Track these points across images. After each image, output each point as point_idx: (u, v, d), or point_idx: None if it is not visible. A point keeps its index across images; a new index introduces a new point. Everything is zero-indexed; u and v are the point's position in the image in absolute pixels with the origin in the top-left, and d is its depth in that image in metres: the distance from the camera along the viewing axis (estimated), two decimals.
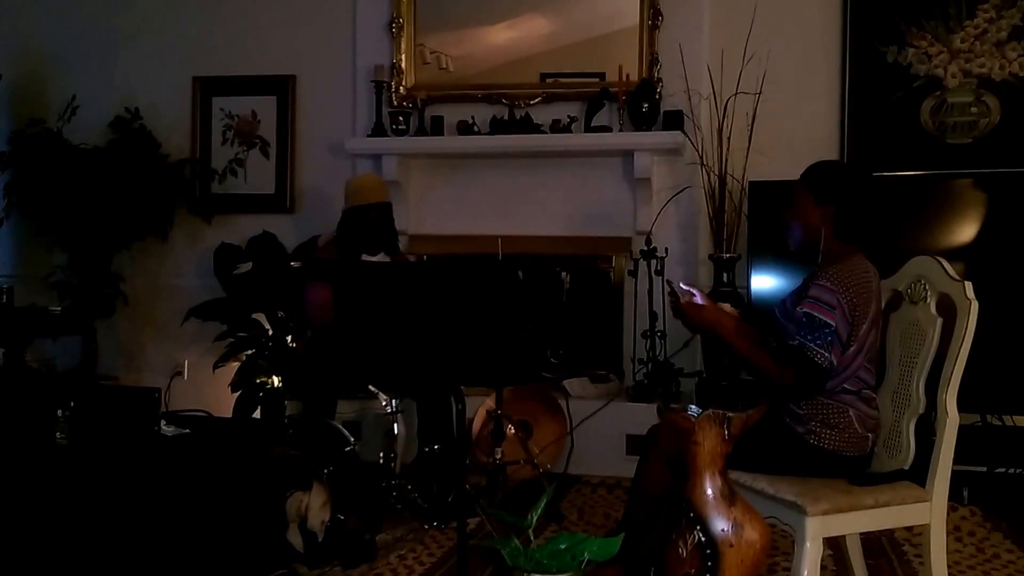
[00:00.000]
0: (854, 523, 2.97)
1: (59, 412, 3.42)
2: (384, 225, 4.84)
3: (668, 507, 2.75)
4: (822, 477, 2.99)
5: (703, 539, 2.53)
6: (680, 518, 2.59)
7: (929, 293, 3.05)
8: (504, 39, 5.85)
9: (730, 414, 2.55)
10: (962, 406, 2.92)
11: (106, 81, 6.34)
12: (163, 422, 3.66)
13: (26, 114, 6.15)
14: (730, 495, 2.56)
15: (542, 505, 2.67)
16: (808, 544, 2.80)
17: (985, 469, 4.56)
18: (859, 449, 3.07)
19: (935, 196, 5.05)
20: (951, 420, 2.91)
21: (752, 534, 2.52)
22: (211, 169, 6.25)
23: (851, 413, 3.05)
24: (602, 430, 4.93)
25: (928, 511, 2.95)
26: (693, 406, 2.62)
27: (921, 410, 3.00)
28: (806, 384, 3.02)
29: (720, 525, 2.52)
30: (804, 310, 3.01)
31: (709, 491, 2.55)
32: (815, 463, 3.03)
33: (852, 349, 3.03)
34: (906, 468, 3.02)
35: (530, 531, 2.57)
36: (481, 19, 5.89)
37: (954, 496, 3.05)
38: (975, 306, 2.88)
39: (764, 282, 5.13)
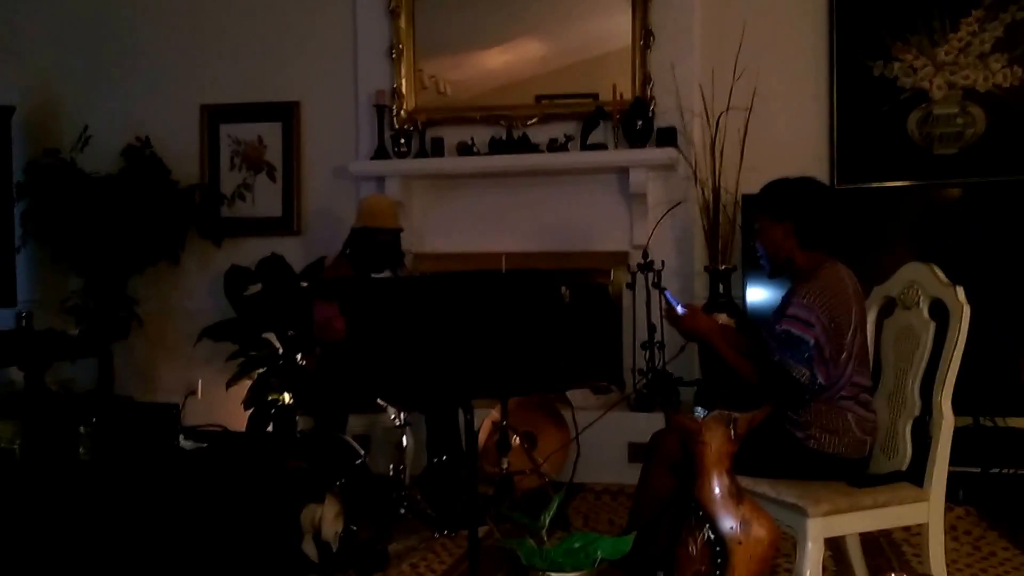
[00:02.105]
0: (854, 523, 3.03)
1: (81, 428, 3.53)
2: (392, 248, 4.97)
3: (674, 509, 2.78)
4: (822, 480, 3.06)
5: (712, 537, 2.55)
6: (689, 517, 2.61)
7: (922, 298, 3.12)
8: (500, 62, 5.98)
9: (736, 414, 2.58)
10: (955, 408, 2.99)
11: (117, 111, 6.46)
12: (181, 436, 3.77)
13: (40, 145, 6.26)
14: (738, 493, 2.59)
15: (555, 507, 2.74)
16: (810, 545, 2.86)
17: (979, 470, 4.63)
18: (858, 452, 3.14)
19: (923, 206, 5.15)
20: (946, 421, 2.97)
21: (760, 531, 2.55)
22: (220, 194, 6.38)
23: (849, 417, 3.12)
24: (605, 439, 5.02)
25: (926, 511, 3.01)
26: (699, 408, 2.69)
27: (917, 413, 3.07)
28: (786, 400, 3.12)
29: (729, 523, 2.54)
30: (783, 328, 3.11)
31: (717, 490, 2.57)
32: (815, 466, 3.10)
33: (843, 357, 3.11)
34: (903, 469, 3.08)
35: (543, 532, 2.65)
36: (477, 44, 6.03)
37: (950, 496, 3.08)
38: (967, 310, 2.95)
39: (758, 293, 5.23)
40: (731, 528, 2.54)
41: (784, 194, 3.32)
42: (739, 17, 5.57)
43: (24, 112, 6.39)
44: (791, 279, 3.30)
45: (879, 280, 3.36)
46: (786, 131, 5.58)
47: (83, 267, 6.13)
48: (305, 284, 5.58)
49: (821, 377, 3.08)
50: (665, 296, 3.47)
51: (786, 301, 3.23)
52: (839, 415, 3.13)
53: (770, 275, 3.39)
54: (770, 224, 3.30)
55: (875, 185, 5.40)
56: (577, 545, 2.58)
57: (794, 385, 3.08)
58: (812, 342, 3.06)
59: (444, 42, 6.07)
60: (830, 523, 2.92)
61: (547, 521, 2.65)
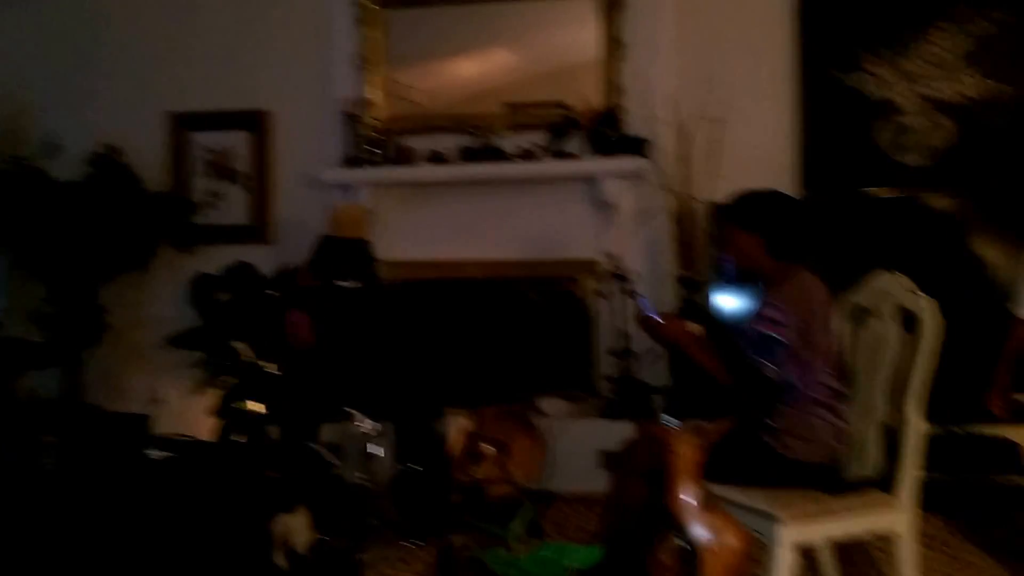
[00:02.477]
0: (825, 530, 3.08)
1: (47, 439, 3.49)
2: (356, 259, 4.92)
3: (646, 518, 2.79)
4: (793, 487, 3.09)
5: (684, 546, 2.56)
6: (661, 526, 2.62)
7: (891, 307, 3.17)
8: (470, 72, 5.99)
9: (705, 424, 2.66)
10: (925, 417, 3.04)
11: (86, 118, 6.40)
12: (150, 447, 3.73)
13: (7, 152, 6.17)
14: (708, 502, 2.61)
15: (527, 516, 2.73)
16: (782, 551, 2.89)
17: (948, 477, 4.68)
18: (828, 459, 3.17)
19: (892, 216, 5.19)
20: (915, 428, 3.02)
21: (732, 540, 2.56)
22: (189, 202, 6.33)
23: (820, 424, 3.15)
24: (576, 447, 5.03)
25: (897, 518, 3.05)
26: (669, 417, 2.70)
27: (887, 420, 3.11)
28: (760, 400, 3.15)
29: (701, 532, 2.55)
30: (755, 329, 3.17)
31: (688, 498, 2.58)
32: (786, 473, 3.13)
33: (812, 358, 3.15)
34: (874, 477, 3.13)
35: (514, 541, 2.64)
36: (448, 53, 6.03)
37: (924, 505, 3.14)
38: (935, 319, 3.00)
39: (729, 301, 5.21)
40: (702, 536, 2.54)
41: (754, 206, 3.36)
42: (709, 27, 5.63)
43: None
44: (760, 285, 3.32)
45: (848, 290, 3.40)
46: (756, 140, 5.59)
47: (51, 275, 6.06)
48: (274, 292, 5.55)
49: (793, 376, 3.12)
50: (640, 302, 3.49)
51: (757, 305, 3.28)
52: (811, 422, 3.16)
53: (734, 280, 3.43)
54: (739, 234, 3.34)
55: (844, 195, 5.43)
56: (548, 554, 2.58)
57: (766, 384, 3.12)
58: (783, 342, 3.10)
59: (415, 51, 6.06)
60: (801, 529, 2.95)
61: (518, 530, 2.65)
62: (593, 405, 5.49)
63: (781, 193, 3.43)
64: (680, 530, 2.57)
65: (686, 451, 2.61)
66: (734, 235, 3.36)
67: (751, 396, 3.14)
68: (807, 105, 5.58)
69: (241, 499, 3.68)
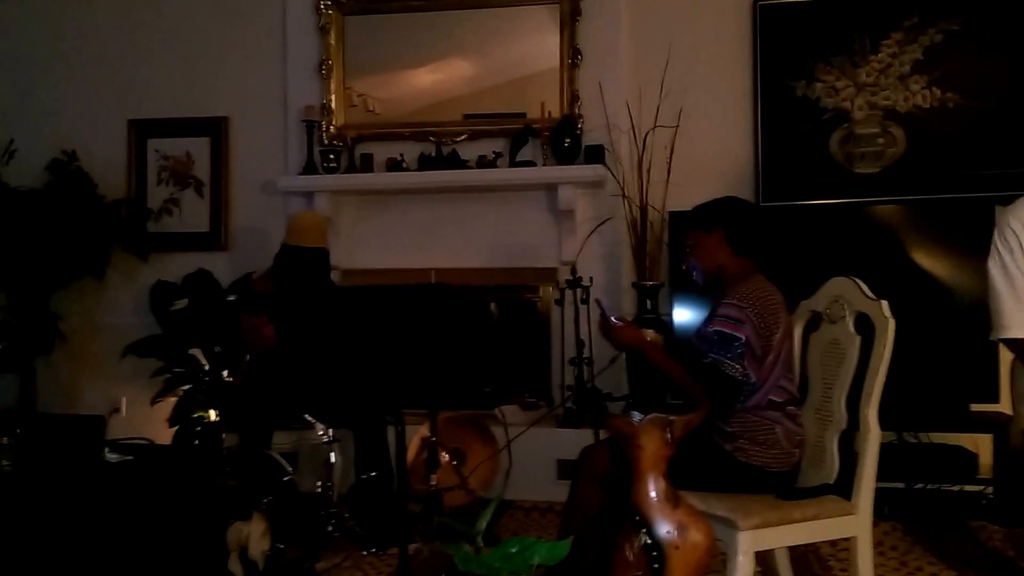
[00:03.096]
0: (784, 537, 3.06)
1: (4, 440, 3.47)
2: (316, 268, 4.85)
3: (604, 524, 2.79)
4: (750, 493, 3.09)
5: (649, 542, 2.52)
6: (626, 522, 2.58)
7: (847, 312, 3.18)
8: (428, 82, 6.00)
9: (672, 418, 2.56)
10: (880, 424, 3.05)
11: (44, 125, 6.38)
12: (106, 449, 3.71)
13: None
14: (674, 498, 2.56)
15: (491, 512, 2.70)
16: (740, 558, 2.88)
17: (903, 485, 4.73)
18: (786, 465, 3.18)
19: (845, 224, 5.25)
20: (873, 434, 3.03)
21: (697, 536, 2.52)
22: (147, 209, 6.32)
23: (777, 430, 3.16)
24: (533, 456, 5.02)
25: (854, 523, 3.05)
26: (636, 412, 2.68)
27: (844, 426, 3.11)
28: (722, 397, 3.15)
29: (665, 528, 2.51)
30: (714, 328, 3.17)
31: (653, 494, 2.54)
32: (743, 479, 3.14)
33: (770, 358, 3.17)
34: (831, 483, 3.12)
35: (478, 538, 2.62)
36: (406, 62, 6.04)
37: (875, 512, 3.11)
38: (892, 324, 3.01)
39: (685, 308, 5.26)
40: (668, 533, 2.51)
41: (713, 206, 3.44)
42: (665, 37, 5.66)
43: None
44: (721, 290, 3.35)
45: (803, 297, 3.44)
46: (712, 149, 5.64)
47: (5, 281, 6.03)
48: (232, 298, 5.54)
49: (752, 375, 3.14)
50: (600, 307, 3.51)
51: (715, 305, 3.29)
52: (767, 427, 3.17)
53: (703, 288, 3.45)
54: (703, 235, 3.39)
55: (799, 203, 5.49)
56: (513, 550, 2.55)
57: (728, 382, 3.13)
58: (743, 338, 3.12)
59: (374, 60, 6.08)
60: (760, 536, 2.94)
61: (483, 526, 2.62)
62: (550, 414, 5.50)
63: (735, 197, 3.51)
64: (645, 526, 2.54)
65: (652, 445, 2.56)
66: (697, 238, 3.41)
67: (714, 397, 3.14)
68: (763, 114, 5.63)
69: (196, 505, 3.66)
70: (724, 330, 3.15)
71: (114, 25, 6.44)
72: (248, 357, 4.98)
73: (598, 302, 3.66)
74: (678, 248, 5.27)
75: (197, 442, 5.41)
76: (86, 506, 3.36)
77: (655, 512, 2.54)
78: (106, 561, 3.30)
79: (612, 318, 3.44)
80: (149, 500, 3.52)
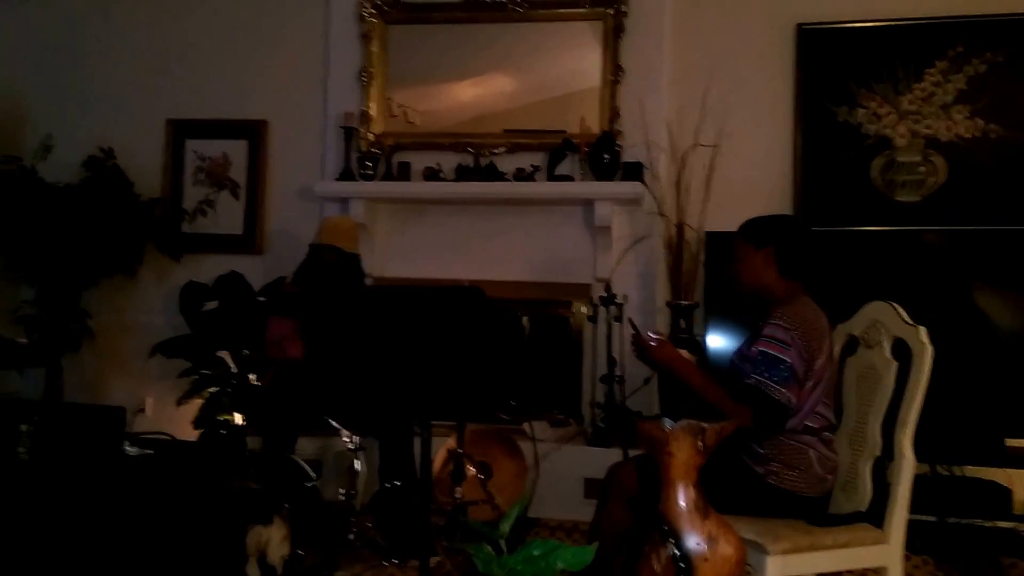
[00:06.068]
0: (814, 563, 2.99)
1: (23, 427, 3.44)
2: (344, 270, 4.85)
3: (630, 544, 2.72)
4: (780, 517, 3.04)
5: (677, 553, 2.47)
6: (653, 532, 2.53)
7: (884, 337, 3.15)
8: (469, 96, 5.99)
9: (704, 425, 2.51)
10: (914, 455, 3.01)
11: (82, 122, 6.42)
12: (127, 443, 3.69)
13: (1, 152, 6.16)
14: (704, 508, 2.51)
15: (515, 514, 2.63)
16: None
17: (935, 519, 4.63)
18: (818, 490, 3.14)
19: (884, 251, 5.19)
20: (907, 462, 2.99)
21: (727, 548, 2.48)
22: (182, 209, 6.33)
23: (811, 454, 3.11)
24: (561, 473, 4.99)
25: (886, 553, 3.01)
26: (667, 419, 2.62)
27: (878, 453, 3.07)
28: (765, 421, 3.09)
29: (694, 539, 2.47)
30: (760, 349, 3.11)
31: (683, 503, 2.50)
32: (774, 503, 3.09)
33: (810, 384, 3.11)
34: (864, 510, 3.08)
35: (502, 542, 2.55)
36: (447, 75, 6.04)
37: (907, 544, 3.07)
38: (930, 350, 2.97)
39: (720, 330, 5.21)
40: (697, 544, 2.47)
41: (768, 223, 3.40)
42: (708, 56, 5.65)
43: None
44: (766, 305, 3.30)
45: (840, 320, 3.40)
46: (751, 171, 5.61)
47: (37, 277, 6.05)
48: (261, 299, 5.52)
49: (795, 398, 3.09)
50: (632, 325, 3.47)
51: (760, 325, 3.23)
52: (801, 451, 3.12)
53: (743, 294, 3.38)
54: (752, 251, 3.33)
55: (838, 228, 5.43)
56: (537, 552, 2.48)
57: (774, 406, 3.07)
58: (789, 362, 3.06)
59: (415, 71, 6.08)
60: (789, 562, 2.89)
61: (507, 529, 2.55)
62: (580, 431, 5.46)
63: (792, 216, 3.46)
64: (674, 537, 2.49)
65: (683, 453, 2.51)
66: (746, 252, 3.35)
67: (760, 420, 3.08)
68: (803, 138, 5.60)
69: (217, 506, 3.62)
70: (770, 351, 3.09)
71: (156, 24, 6.48)
72: (272, 368, 4.96)
73: (631, 321, 3.61)
74: (714, 269, 5.25)
75: (221, 445, 5.40)
76: (102, 498, 3.33)
77: (684, 522, 2.50)
78: (119, 555, 3.26)
79: (650, 333, 3.39)
80: (167, 496, 3.48)
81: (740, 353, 3.33)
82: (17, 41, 6.63)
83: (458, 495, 4.43)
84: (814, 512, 3.11)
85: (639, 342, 3.38)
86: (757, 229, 3.38)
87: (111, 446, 3.51)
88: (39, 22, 6.61)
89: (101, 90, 6.50)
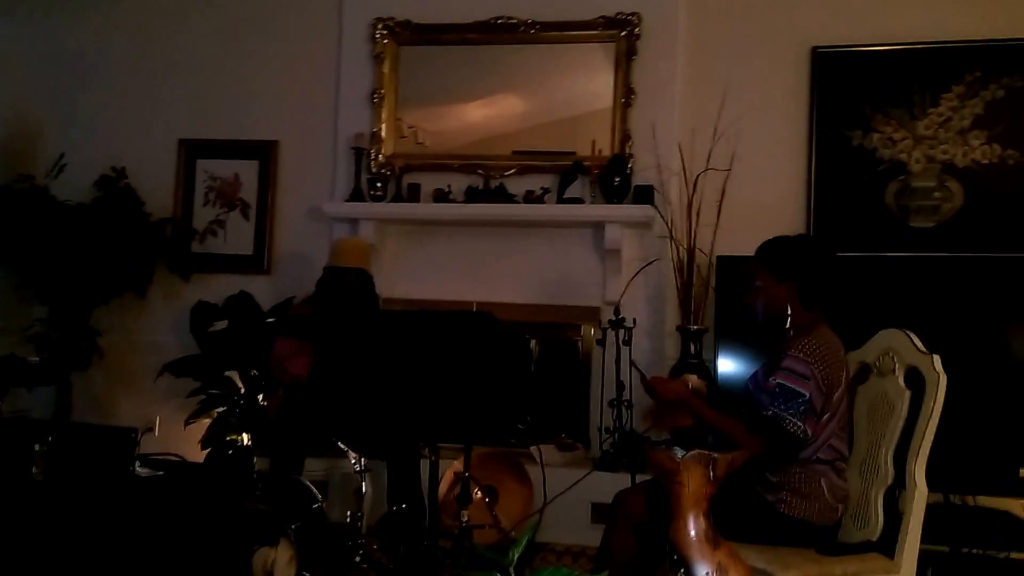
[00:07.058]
0: None
1: (36, 447, 3.45)
2: (359, 291, 4.82)
3: (638, 569, 2.71)
4: (790, 546, 3.01)
5: None
6: (663, 561, 2.50)
7: (897, 365, 3.11)
8: (479, 117, 5.99)
9: (715, 455, 2.48)
10: (927, 484, 2.97)
11: (95, 141, 6.44)
12: (137, 463, 3.68)
13: (15, 171, 6.21)
14: (714, 537, 2.49)
15: (524, 542, 2.60)
16: None
17: (948, 549, 4.56)
18: (828, 519, 3.10)
19: (898, 277, 5.14)
20: (919, 492, 2.95)
21: None
22: (192, 229, 6.34)
23: (822, 483, 3.08)
24: (568, 498, 4.92)
25: None
26: (678, 448, 2.58)
27: (889, 482, 3.03)
28: (780, 454, 3.06)
29: (704, 569, 2.44)
30: (778, 381, 3.05)
31: (693, 532, 2.48)
32: (784, 531, 3.06)
33: (826, 417, 3.07)
34: (874, 540, 3.04)
35: (511, 569, 2.52)
36: (458, 96, 6.05)
37: (919, 574, 3.03)
38: (943, 379, 2.93)
39: (731, 354, 5.15)
40: (707, 574, 2.44)
41: (789, 253, 3.28)
42: (721, 79, 5.61)
43: (0, 137, 6.36)
44: (778, 333, 3.25)
45: (851, 350, 3.34)
46: (764, 195, 5.57)
47: (48, 295, 6.07)
48: (271, 320, 5.52)
49: (811, 432, 3.04)
50: (636, 368, 3.43)
51: (778, 356, 3.17)
52: (812, 480, 3.09)
53: (758, 322, 3.33)
54: (773, 283, 3.26)
55: (851, 254, 5.37)
56: None
57: (789, 439, 3.02)
58: (807, 395, 3.01)
59: (426, 92, 6.09)
60: None
61: (515, 557, 2.52)
62: (587, 456, 5.41)
63: (814, 239, 3.37)
64: (684, 566, 2.46)
65: (694, 483, 2.48)
66: (767, 282, 3.27)
67: (774, 452, 3.04)
68: (817, 162, 5.56)
69: (224, 526, 3.60)
70: (788, 384, 3.04)
71: (169, 45, 6.51)
72: (281, 389, 4.94)
73: (633, 364, 3.57)
74: (725, 293, 5.21)
75: (228, 465, 5.37)
76: (113, 519, 3.32)
77: (694, 552, 2.47)
78: (129, 572, 3.25)
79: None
80: (176, 517, 3.47)
81: (756, 382, 3.27)
82: (30, 60, 6.67)
83: (464, 518, 4.40)
84: (824, 541, 3.08)
85: (646, 383, 3.36)
86: (780, 260, 3.27)
87: (123, 467, 3.51)
88: (52, 41, 6.65)
89: (113, 110, 6.53)
